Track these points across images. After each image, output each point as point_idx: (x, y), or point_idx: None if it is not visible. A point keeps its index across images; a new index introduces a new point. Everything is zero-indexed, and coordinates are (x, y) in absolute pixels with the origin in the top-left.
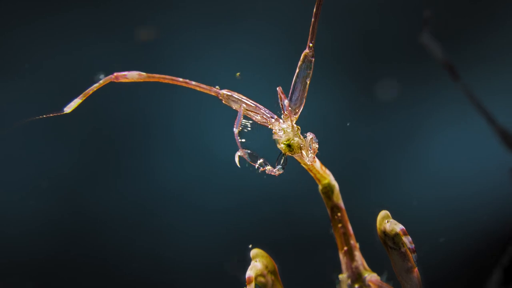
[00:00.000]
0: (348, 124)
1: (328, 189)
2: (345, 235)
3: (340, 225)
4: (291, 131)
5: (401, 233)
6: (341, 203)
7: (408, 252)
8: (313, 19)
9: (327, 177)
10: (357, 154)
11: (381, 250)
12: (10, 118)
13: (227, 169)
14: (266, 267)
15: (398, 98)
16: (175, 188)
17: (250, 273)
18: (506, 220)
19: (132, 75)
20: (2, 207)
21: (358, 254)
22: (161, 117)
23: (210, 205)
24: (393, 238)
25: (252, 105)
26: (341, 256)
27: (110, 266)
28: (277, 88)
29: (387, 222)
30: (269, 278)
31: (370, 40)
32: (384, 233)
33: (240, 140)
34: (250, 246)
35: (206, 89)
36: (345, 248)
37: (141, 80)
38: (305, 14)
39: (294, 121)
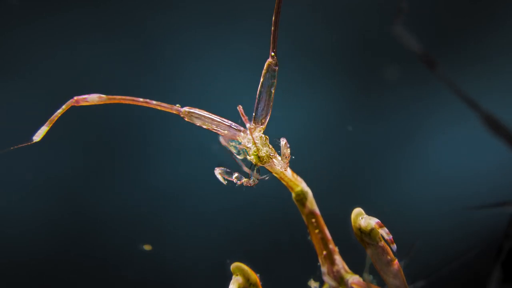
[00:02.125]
0: (350, 128)
1: (302, 197)
2: (323, 240)
3: (317, 230)
4: (259, 141)
5: (376, 226)
6: (316, 209)
7: (386, 245)
8: (273, 28)
9: (299, 184)
10: (357, 154)
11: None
12: (10, 118)
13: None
14: (248, 280)
15: (398, 98)
16: (175, 189)
17: (232, 287)
18: (506, 220)
19: (92, 98)
20: (2, 207)
21: (338, 258)
22: (160, 118)
23: (210, 205)
24: (369, 234)
25: (216, 119)
26: (321, 261)
27: (110, 266)
28: (238, 107)
29: (361, 219)
30: None
31: (370, 40)
32: (360, 230)
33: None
34: (228, 261)
35: (167, 107)
36: (324, 252)
37: (102, 103)
38: (305, 14)
39: (262, 131)
